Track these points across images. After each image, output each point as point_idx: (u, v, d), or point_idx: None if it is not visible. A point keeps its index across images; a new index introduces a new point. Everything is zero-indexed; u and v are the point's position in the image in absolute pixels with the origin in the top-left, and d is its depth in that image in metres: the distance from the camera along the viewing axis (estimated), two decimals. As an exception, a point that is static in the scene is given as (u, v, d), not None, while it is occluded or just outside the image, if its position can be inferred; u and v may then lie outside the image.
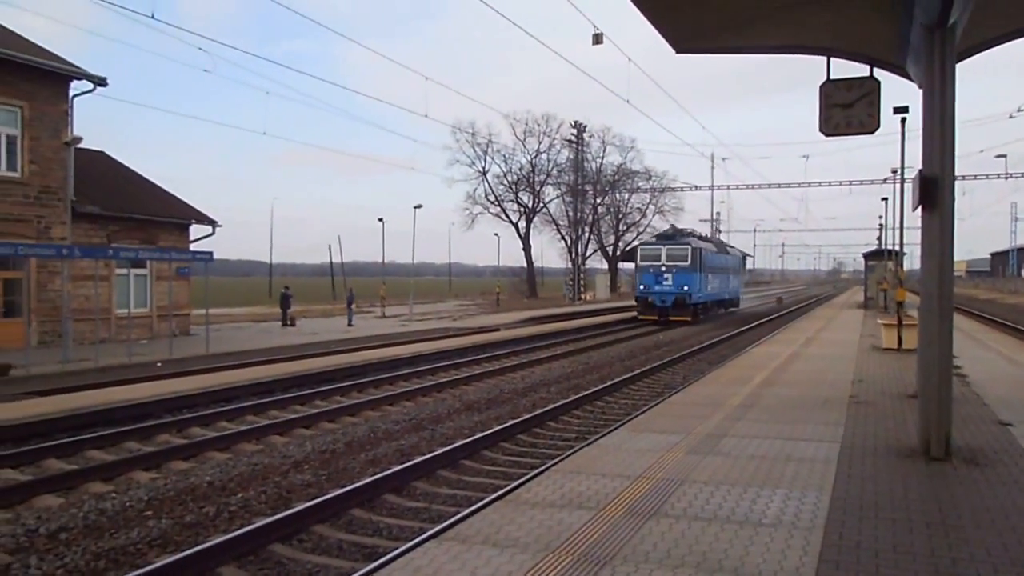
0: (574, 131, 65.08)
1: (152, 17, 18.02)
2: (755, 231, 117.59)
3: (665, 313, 35.10)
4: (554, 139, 68.71)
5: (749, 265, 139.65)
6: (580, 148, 65.34)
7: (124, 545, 6.93)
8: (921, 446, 7.84)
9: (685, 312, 34.93)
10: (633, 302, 41.15)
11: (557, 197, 70.25)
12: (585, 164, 67.63)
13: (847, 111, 9.23)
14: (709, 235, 54.06)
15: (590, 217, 69.73)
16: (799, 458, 7.73)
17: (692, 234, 41.04)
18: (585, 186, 67.60)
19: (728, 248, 48.41)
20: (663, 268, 35.03)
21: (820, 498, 6.31)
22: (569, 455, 8.31)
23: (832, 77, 9.30)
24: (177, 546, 6.94)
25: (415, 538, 6.57)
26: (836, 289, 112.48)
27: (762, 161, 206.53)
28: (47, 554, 6.73)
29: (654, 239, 40.11)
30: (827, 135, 9.50)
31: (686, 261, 35.04)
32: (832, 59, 9.39)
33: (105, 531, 7.31)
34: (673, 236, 38.17)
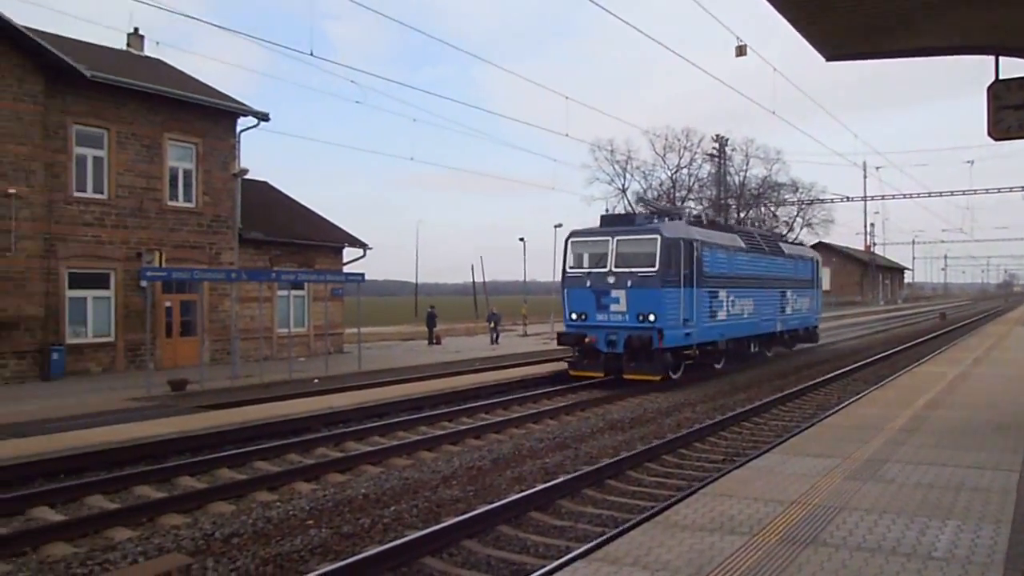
0: (716, 144, 63.70)
1: (311, 54, 19.34)
2: (913, 243, 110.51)
3: (615, 365, 18.90)
4: (695, 153, 67.54)
5: (907, 279, 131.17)
6: (722, 162, 63.85)
7: (289, 552, 7.35)
8: (1117, 478, 7.08)
9: (651, 364, 18.44)
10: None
11: (699, 212, 68.93)
12: (728, 178, 66.03)
13: (1020, 112, 8.58)
14: (759, 227, 34.31)
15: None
16: (972, 487, 7.18)
17: (679, 214, 23.16)
18: (728, 200, 65.92)
19: (781, 245, 27.63)
20: (610, 279, 18.84)
21: (998, 531, 5.84)
22: (718, 477, 8.11)
23: (1002, 77, 8.68)
24: (336, 555, 7.28)
25: (562, 556, 6.61)
26: (1008, 304, 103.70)
27: (920, 168, 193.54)
28: (222, 557, 7.23)
29: (601, 224, 20.41)
30: (996, 139, 8.87)
31: (652, 266, 18.38)
32: (1001, 58, 8.77)
33: (272, 538, 7.78)
34: (631, 219, 20.50)
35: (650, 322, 18.22)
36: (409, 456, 11.70)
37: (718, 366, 22.04)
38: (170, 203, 23.64)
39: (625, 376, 18.66)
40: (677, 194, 69.22)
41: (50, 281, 20.63)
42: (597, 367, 19.10)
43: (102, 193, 22.02)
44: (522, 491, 9.25)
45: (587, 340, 18.94)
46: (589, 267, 19.52)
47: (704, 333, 20.10)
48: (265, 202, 29.22)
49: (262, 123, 25.75)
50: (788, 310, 26.40)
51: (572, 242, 20.03)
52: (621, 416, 15.00)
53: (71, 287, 21.34)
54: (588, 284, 19.23)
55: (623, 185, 69.04)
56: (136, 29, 27.81)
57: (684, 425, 13.85)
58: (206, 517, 8.60)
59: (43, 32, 21.06)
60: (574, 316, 19.46)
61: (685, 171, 69.21)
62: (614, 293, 18.80)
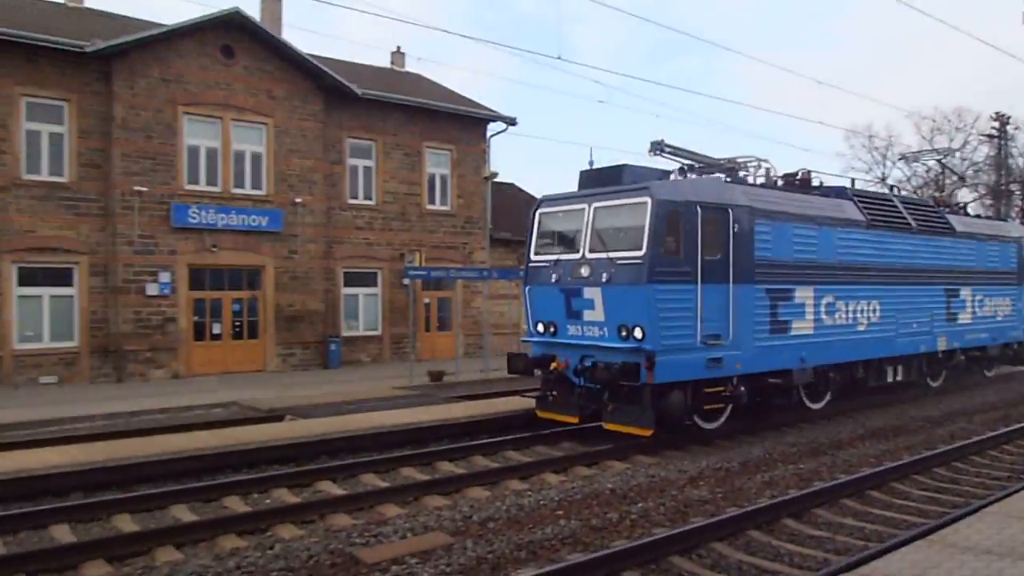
0: (995, 124, 56.70)
1: (558, 58, 19.89)
2: None
3: (593, 405, 12.08)
4: (969, 135, 60.60)
5: None
6: (1003, 143, 56.72)
7: (540, 539, 7.64)
8: None
9: (638, 409, 11.20)
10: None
11: (974, 200, 61.79)
12: (1010, 161, 58.50)
13: None
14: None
15: (1017, 222, 59.97)
16: None
17: (726, 166, 13.84)
18: (1011, 186, 58.44)
19: (950, 218, 17.42)
20: (582, 270, 11.89)
21: None
22: (1005, 496, 7.27)
23: None
24: (585, 547, 7.45)
25: (821, 569, 6.28)
26: None
27: None
28: (479, 539, 7.68)
29: (580, 185, 13.21)
30: None
31: (638, 248, 11.10)
32: None
33: (524, 525, 8.13)
34: (617, 175, 12.42)
35: (635, 340, 11.06)
36: (654, 454, 11.67)
37: (816, 406, 14.25)
38: (428, 207, 25.49)
39: (605, 425, 11.88)
40: (947, 181, 62.59)
41: (328, 280, 23.10)
42: (570, 407, 12.42)
43: (371, 199, 24.25)
44: (774, 496, 8.90)
45: (555, 365, 12.32)
46: (553, 253, 12.65)
47: (759, 357, 12.41)
48: (513, 203, 30.48)
49: (510, 128, 26.96)
50: (963, 318, 17.28)
51: (541, 213, 13.15)
52: (882, 424, 13.89)
53: (345, 285, 23.76)
54: (554, 279, 12.35)
55: (883, 174, 63.58)
56: (399, 47, 30.29)
57: (959, 436, 12.52)
58: (464, 501, 9.16)
59: (321, 57, 23.58)
60: (540, 328, 12.71)
61: (957, 155, 62.33)
62: (587, 293, 11.79)
